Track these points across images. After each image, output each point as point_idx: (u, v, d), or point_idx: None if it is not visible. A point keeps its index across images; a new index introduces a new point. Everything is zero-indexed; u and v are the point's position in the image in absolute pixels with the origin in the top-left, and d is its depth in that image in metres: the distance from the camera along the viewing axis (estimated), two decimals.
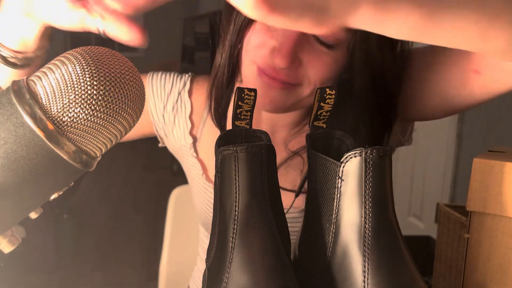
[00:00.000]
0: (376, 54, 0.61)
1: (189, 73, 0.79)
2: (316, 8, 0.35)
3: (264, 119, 0.73)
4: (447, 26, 0.39)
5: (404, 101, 0.69)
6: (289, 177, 0.72)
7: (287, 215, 0.69)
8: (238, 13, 0.60)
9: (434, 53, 0.66)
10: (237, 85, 0.68)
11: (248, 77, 0.62)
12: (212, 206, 0.74)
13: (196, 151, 0.76)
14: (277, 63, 0.57)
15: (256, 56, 0.60)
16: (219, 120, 0.70)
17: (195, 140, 0.76)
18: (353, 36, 0.59)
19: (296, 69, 0.59)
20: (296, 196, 0.69)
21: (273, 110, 0.63)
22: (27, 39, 0.49)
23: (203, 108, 0.76)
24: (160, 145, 0.82)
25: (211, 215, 0.75)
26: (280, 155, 0.71)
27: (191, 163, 0.77)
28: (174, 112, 0.76)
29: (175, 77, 0.78)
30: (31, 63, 0.53)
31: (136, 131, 0.77)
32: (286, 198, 0.71)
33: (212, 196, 0.73)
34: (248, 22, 0.60)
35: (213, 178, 0.74)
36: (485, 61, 0.58)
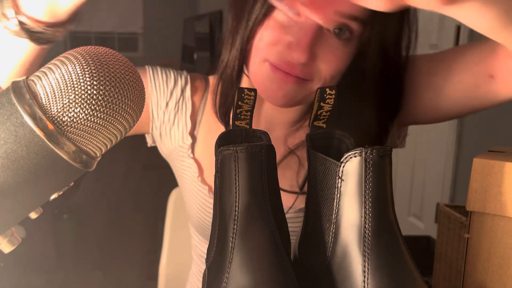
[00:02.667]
0: (390, 49, 0.64)
1: (185, 71, 0.78)
2: None
3: (262, 117, 0.73)
4: None
5: (415, 107, 0.71)
6: (287, 177, 0.72)
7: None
8: (251, 10, 0.60)
9: (443, 59, 0.68)
10: (243, 81, 0.68)
11: (258, 74, 0.62)
12: (207, 209, 0.74)
13: (193, 152, 0.75)
14: (296, 58, 0.58)
15: (270, 53, 0.60)
16: (223, 116, 0.70)
17: (194, 140, 0.75)
18: (370, 29, 0.61)
19: (310, 64, 0.60)
20: (297, 196, 0.69)
21: (285, 104, 0.63)
22: (65, 8, 0.48)
23: (198, 108, 0.76)
24: (149, 144, 0.80)
25: (206, 218, 0.75)
26: (279, 152, 0.72)
27: (187, 165, 0.75)
28: (175, 111, 0.75)
29: (176, 74, 0.76)
30: (54, 39, 0.52)
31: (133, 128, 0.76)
32: (284, 200, 0.71)
33: (207, 199, 0.73)
34: (261, 19, 0.60)
35: (208, 181, 0.74)
36: (501, 67, 0.60)
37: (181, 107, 0.75)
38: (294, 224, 0.70)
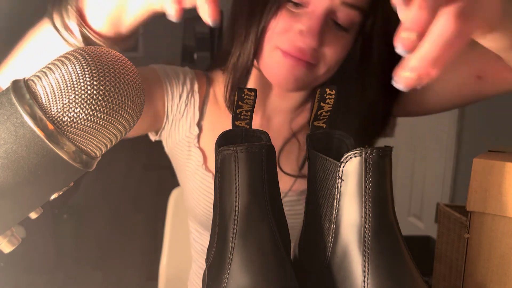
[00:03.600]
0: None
1: (186, 67, 0.80)
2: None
3: (263, 104, 0.76)
4: None
5: (405, 99, 0.76)
6: (288, 161, 0.76)
7: (286, 199, 0.73)
8: (264, 5, 0.64)
9: None
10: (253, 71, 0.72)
11: (269, 61, 0.67)
12: (211, 197, 0.75)
13: (199, 141, 0.77)
14: (308, 43, 0.63)
15: (281, 41, 0.65)
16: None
17: (200, 130, 0.77)
18: (374, 18, 0.66)
19: (318, 49, 0.65)
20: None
21: (294, 88, 0.68)
22: (127, 23, 0.49)
23: (203, 100, 0.78)
24: (153, 139, 0.81)
25: (210, 206, 0.76)
26: (283, 136, 0.77)
27: (192, 154, 0.77)
28: (185, 103, 0.77)
29: (181, 68, 0.79)
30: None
31: (142, 126, 0.76)
32: (285, 182, 0.74)
33: (211, 187, 0.75)
34: (275, 11, 0.64)
35: (212, 168, 0.76)
36: (489, 70, 0.65)
37: (190, 99, 0.77)
38: (295, 207, 0.74)
